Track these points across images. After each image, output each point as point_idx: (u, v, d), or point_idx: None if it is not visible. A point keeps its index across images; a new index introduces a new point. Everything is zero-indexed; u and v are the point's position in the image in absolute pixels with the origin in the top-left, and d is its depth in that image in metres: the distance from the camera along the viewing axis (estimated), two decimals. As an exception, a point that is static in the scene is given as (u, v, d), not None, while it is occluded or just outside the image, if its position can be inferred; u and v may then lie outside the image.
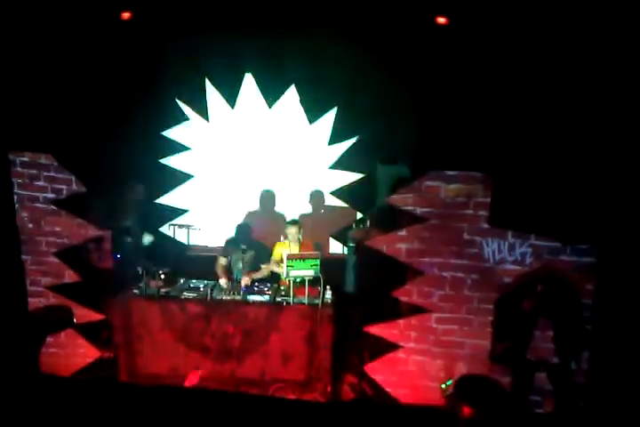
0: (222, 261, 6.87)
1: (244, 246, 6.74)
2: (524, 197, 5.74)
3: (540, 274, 5.52)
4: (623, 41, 5.58)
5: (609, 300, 5.55)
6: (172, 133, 8.21)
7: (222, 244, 7.15)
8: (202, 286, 6.39)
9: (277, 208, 8.13)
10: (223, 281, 6.60)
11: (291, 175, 8.15)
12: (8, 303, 6.34)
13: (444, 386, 5.34)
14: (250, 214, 8.08)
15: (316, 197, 8.10)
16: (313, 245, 6.87)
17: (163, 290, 6.28)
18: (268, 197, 8.13)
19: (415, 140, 7.18)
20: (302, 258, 6.09)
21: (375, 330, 6.00)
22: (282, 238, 6.92)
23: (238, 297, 6.19)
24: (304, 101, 7.93)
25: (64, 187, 6.36)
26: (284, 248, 6.72)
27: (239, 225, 7.06)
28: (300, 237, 6.83)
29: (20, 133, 6.42)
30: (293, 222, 6.91)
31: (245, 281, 6.54)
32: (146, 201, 7.52)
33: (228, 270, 6.86)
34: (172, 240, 7.45)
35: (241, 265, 6.79)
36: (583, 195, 5.66)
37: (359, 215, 8.02)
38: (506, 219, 5.67)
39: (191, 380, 6.11)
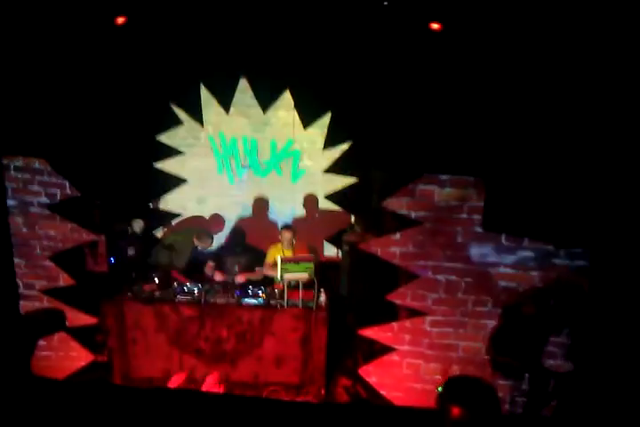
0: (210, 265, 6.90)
1: (237, 249, 6.77)
2: (517, 201, 5.75)
3: (552, 283, 5.54)
4: (617, 48, 5.62)
5: (602, 303, 5.56)
6: (166, 138, 8.22)
7: (215, 250, 7.15)
8: (196, 289, 6.37)
9: (270, 215, 8.17)
10: (218, 275, 6.70)
11: (285, 179, 8.16)
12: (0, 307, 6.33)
13: (440, 389, 5.34)
14: (242, 221, 8.12)
15: (310, 200, 8.11)
16: (307, 249, 6.88)
17: (157, 293, 6.28)
18: (261, 204, 8.17)
19: (409, 145, 7.20)
20: (296, 261, 6.10)
21: (369, 333, 6.01)
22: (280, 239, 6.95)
23: (232, 300, 6.19)
24: (299, 105, 7.95)
25: (57, 191, 6.36)
26: (278, 252, 6.73)
27: (233, 229, 7.08)
28: (294, 241, 6.85)
29: (14, 138, 6.41)
30: (288, 227, 6.92)
31: (240, 279, 6.57)
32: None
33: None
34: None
35: (237, 269, 6.81)
36: (576, 198, 5.68)
37: (353, 219, 8.04)
38: (499, 223, 5.69)
39: (175, 381, 6.10)
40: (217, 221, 8.13)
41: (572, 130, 5.87)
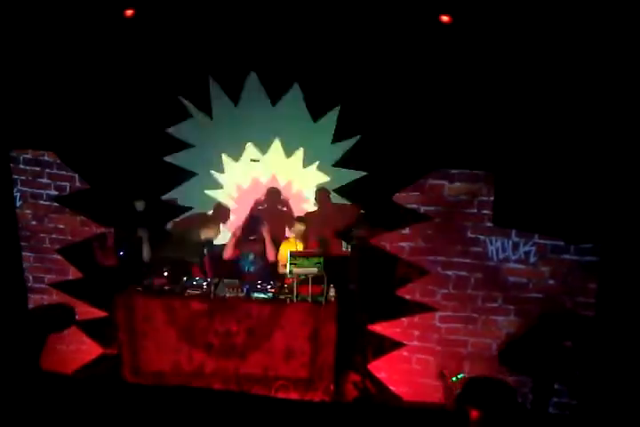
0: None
1: (253, 237, 6.79)
2: (527, 196, 5.74)
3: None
4: (626, 41, 5.58)
5: (612, 299, 5.55)
6: (176, 131, 8.20)
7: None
8: (205, 283, 6.38)
9: (281, 205, 8.16)
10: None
11: (294, 173, 8.14)
12: (8, 302, 6.34)
13: (454, 379, 5.35)
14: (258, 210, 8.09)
15: (322, 194, 8.08)
16: (317, 243, 6.86)
17: (166, 287, 6.28)
18: (273, 196, 8.15)
19: (419, 139, 7.17)
20: (306, 256, 6.09)
21: (379, 328, 6.02)
22: (289, 234, 6.91)
23: (242, 294, 6.19)
24: (308, 99, 7.92)
25: (67, 184, 6.37)
26: (291, 247, 6.71)
27: (250, 217, 7.06)
28: (306, 233, 6.84)
29: (23, 131, 6.42)
30: (301, 219, 6.93)
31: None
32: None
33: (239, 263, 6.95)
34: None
35: (252, 257, 6.82)
36: (586, 194, 5.66)
37: (363, 213, 8.01)
38: (509, 218, 5.68)
39: None
40: (221, 212, 8.07)
41: (583, 125, 5.84)
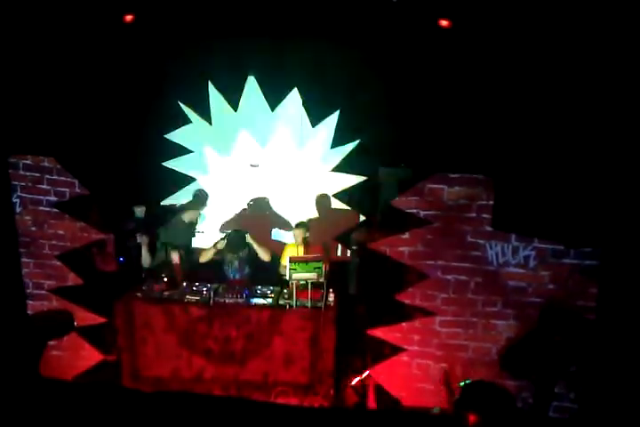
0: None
1: (237, 253, 6.79)
2: (527, 200, 5.71)
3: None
4: (626, 47, 5.58)
5: (612, 303, 5.53)
6: (175, 136, 8.21)
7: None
8: (205, 289, 6.36)
9: (268, 212, 8.15)
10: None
11: (293, 178, 8.14)
12: (7, 308, 6.32)
13: (462, 384, 5.32)
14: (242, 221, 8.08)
15: (323, 200, 8.07)
16: (321, 249, 6.83)
17: (166, 293, 6.27)
18: (260, 204, 8.15)
19: (418, 143, 7.18)
20: (306, 261, 6.08)
21: (378, 333, 5.99)
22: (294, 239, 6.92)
23: (241, 300, 6.18)
24: (307, 104, 7.93)
25: (67, 190, 6.35)
26: (293, 252, 6.70)
27: (230, 234, 6.98)
28: (307, 238, 6.82)
29: (23, 137, 6.42)
30: (300, 225, 6.92)
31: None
32: None
33: (223, 270, 6.92)
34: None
35: (237, 264, 6.81)
36: (586, 198, 5.64)
37: (362, 218, 8.01)
38: (509, 222, 5.65)
39: None
40: (202, 197, 7.81)
41: (583, 129, 5.83)
